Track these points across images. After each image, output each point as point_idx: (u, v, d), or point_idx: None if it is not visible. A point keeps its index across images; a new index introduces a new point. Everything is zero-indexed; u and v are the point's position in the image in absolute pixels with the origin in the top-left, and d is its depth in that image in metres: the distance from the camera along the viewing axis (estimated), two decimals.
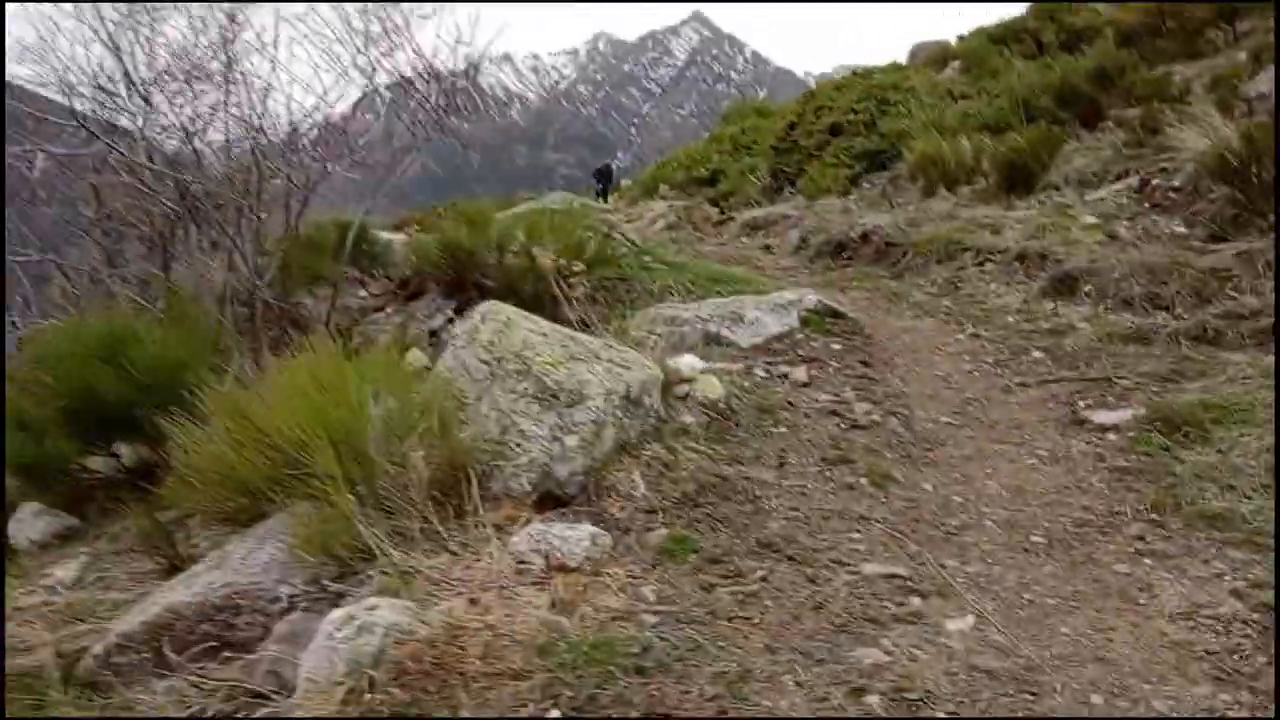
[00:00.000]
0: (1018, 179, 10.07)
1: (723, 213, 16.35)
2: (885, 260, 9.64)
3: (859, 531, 3.88)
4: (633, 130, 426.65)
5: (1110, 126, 10.35)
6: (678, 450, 4.40)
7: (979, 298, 7.92)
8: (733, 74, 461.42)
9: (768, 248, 11.94)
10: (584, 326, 6.67)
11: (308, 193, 8.35)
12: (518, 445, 4.06)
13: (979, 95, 13.70)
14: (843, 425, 5.05)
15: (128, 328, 6.04)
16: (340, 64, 8.45)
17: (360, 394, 3.92)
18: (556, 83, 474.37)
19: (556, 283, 6.78)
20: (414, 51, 8.69)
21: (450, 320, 8.33)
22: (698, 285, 8.35)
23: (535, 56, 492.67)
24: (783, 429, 4.91)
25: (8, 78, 7.95)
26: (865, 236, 10.07)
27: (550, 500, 3.95)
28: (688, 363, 5.18)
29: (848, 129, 14.58)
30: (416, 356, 7.36)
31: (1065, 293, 7.41)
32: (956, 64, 17.39)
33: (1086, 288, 7.31)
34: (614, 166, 36.93)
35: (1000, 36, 17.02)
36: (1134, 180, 9.02)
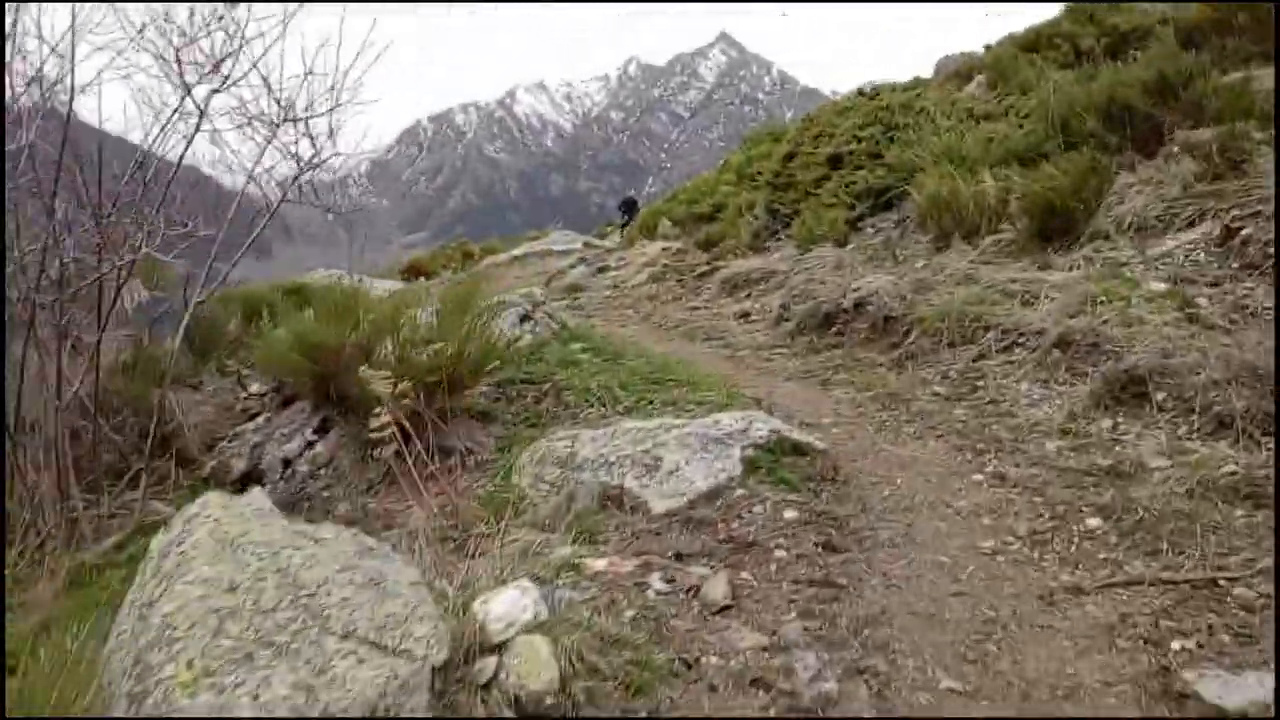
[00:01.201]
0: (1055, 226, 8.00)
1: (711, 260, 14.35)
2: (883, 339, 7.60)
3: None
4: (663, 156, 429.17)
5: (1175, 153, 8.23)
6: None
7: (1006, 405, 5.88)
8: (760, 95, 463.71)
9: (746, 315, 9.92)
10: (434, 474, 4.79)
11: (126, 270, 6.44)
12: None
13: (1006, 115, 11.63)
14: (772, 708, 3.04)
15: None
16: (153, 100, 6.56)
17: None
18: (589, 110, 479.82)
19: (395, 416, 4.82)
20: (263, 83, 6.74)
21: (309, 445, 6.39)
22: (629, 389, 6.36)
23: (568, 84, 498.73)
24: None
25: None
26: (859, 305, 8.03)
27: None
28: (502, 612, 3.16)
29: (849, 160, 12.53)
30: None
31: (1129, 402, 5.38)
32: (981, 78, 15.24)
33: (1159, 395, 5.28)
34: (638, 197, 38.39)
35: (1031, 43, 14.88)
36: (1213, 227, 6.93)
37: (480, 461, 5.58)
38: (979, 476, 4.93)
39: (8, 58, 6.12)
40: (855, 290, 8.24)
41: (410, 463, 5.33)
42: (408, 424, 5.76)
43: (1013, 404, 5.85)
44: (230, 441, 6.95)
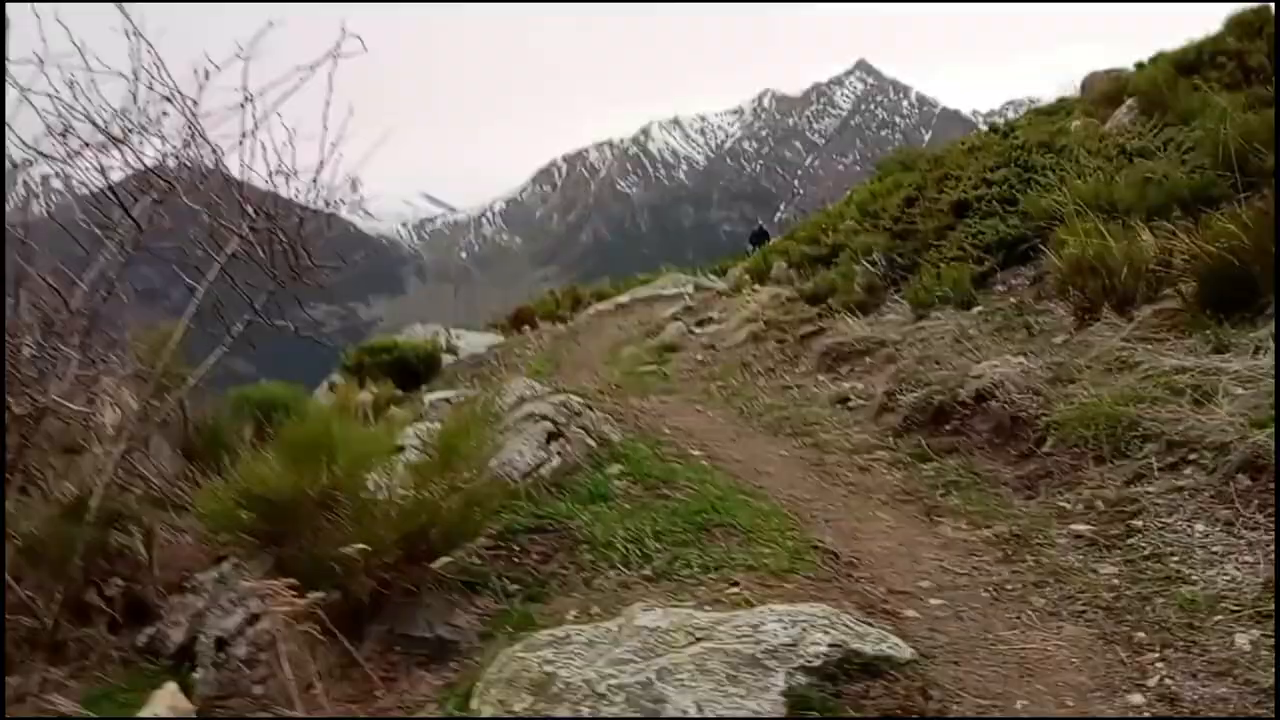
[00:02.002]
0: (1231, 292, 6.48)
1: (818, 317, 12.97)
2: (1011, 446, 6.14)
3: None
4: (796, 183, 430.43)
5: None
6: None
7: (1174, 559, 4.39)
8: (897, 119, 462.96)
9: (844, 400, 8.51)
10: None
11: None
12: None
13: (1165, 150, 10.04)
14: None
15: None
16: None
17: None
18: (722, 142, 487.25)
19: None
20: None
21: (254, 619, 5.18)
22: (665, 539, 5.05)
23: (702, 118, 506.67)
24: None
25: None
26: (981, 399, 6.59)
27: None
28: None
29: (978, 207, 11.09)
30: None
31: None
32: (1131, 102, 13.52)
33: None
34: (768, 225, 42.42)
35: (1190, 62, 13.14)
36: None
37: (453, 651, 4.33)
38: (1138, 698, 3.47)
39: None
40: (977, 377, 6.80)
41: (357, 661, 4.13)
42: (374, 590, 4.58)
43: (1184, 558, 4.36)
44: (184, 595, 5.84)
